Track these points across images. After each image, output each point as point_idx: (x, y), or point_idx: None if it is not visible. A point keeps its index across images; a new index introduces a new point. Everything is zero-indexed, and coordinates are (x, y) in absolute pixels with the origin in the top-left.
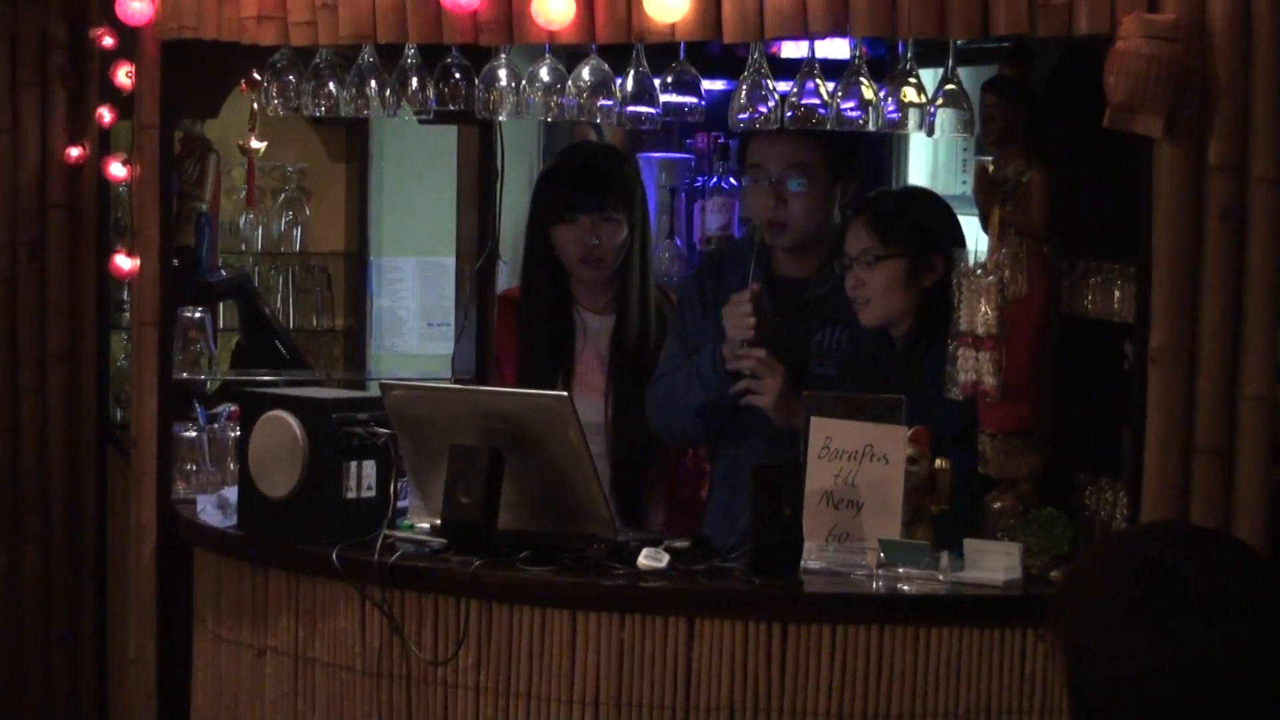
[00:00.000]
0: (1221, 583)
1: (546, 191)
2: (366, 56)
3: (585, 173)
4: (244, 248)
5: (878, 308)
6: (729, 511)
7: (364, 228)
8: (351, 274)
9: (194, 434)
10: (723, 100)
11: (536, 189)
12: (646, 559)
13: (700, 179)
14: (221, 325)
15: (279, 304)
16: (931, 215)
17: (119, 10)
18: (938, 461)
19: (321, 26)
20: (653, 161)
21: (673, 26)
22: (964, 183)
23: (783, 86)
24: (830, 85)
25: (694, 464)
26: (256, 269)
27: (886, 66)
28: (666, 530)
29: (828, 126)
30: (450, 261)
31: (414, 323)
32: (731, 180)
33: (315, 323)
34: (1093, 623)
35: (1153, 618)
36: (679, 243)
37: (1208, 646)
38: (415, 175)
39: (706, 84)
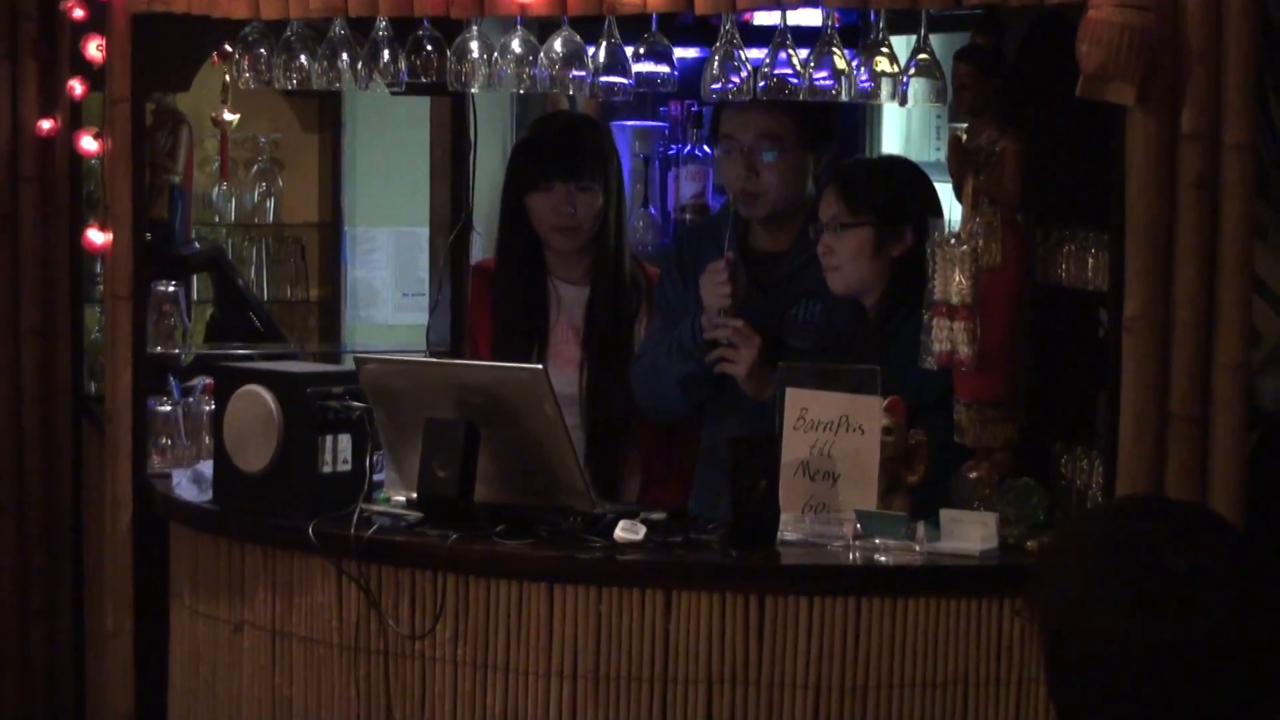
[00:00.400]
0: (1198, 560)
1: (521, 160)
2: (338, 29)
3: (560, 141)
4: (217, 219)
5: (845, 274)
6: (714, 484)
7: (337, 198)
8: (325, 244)
9: (168, 408)
10: (696, 68)
11: (511, 158)
12: (623, 531)
13: (675, 147)
14: (196, 297)
15: (253, 275)
16: (904, 184)
17: None
18: (913, 432)
19: (292, 0)
20: (626, 130)
21: None
22: (938, 150)
23: (755, 54)
24: (803, 54)
25: (669, 436)
26: (230, 240)
27: (859, 33)
28: (642, 501)
29: (800, 97)
30: (424, 231)
31: (388, 293)
32: (705, 149)
33: (290, 294)
34: (1070, 600)
35: (1130, 595)
36: (653, 211)
37: (1185, 624)
38: (389, 145)
39: (679, 51)
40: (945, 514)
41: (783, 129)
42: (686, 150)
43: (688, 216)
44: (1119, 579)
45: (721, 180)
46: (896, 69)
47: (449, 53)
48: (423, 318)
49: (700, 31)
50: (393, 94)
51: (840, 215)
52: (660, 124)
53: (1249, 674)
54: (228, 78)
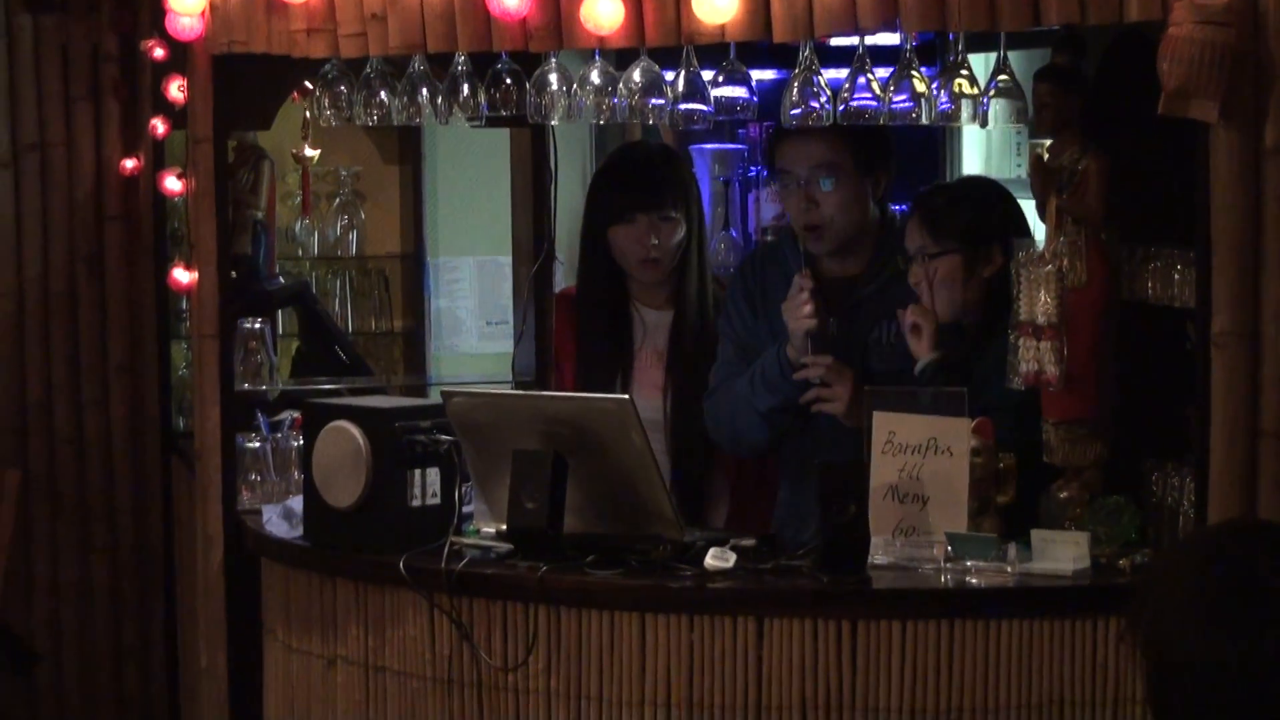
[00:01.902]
0: None
1: (602, 193)
2: (417, 65)
3: (640, 173)
4: (300, 253)
5: (942, 303)
6: (796, 507)
7: (419, 229)
8: (408, 275)
9: (257, 445)
10: (774, 89)
11: (591, 190)
12: (713, 559)
13: (754, 169)
14: (281, 332)
15: (337, 308)
16: (986, 205)
17: (169, 26)
18: (1002, 454)
19: (371, 38)
20: (705, 153)
21: (722, 27)
22: (1019, 166)
23: (832, 74)
24: (881, 75)
25: (755, 460)
26: (314, 274)
27: (936, 51)
28: (729, 526)
29: (880, 121)
30: (507, 260)
31: (472, 322)
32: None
33: (374, 325)
34: (1172, 622)
35: (1231, 616)
36: (734, 234)
37: None
38: (469, 175)
39: (757, 74)
40: (1037, 534)
41: (837, 157)
42: (766, 172)
43: (769, 238)
44: (1220, 601)
45: (787, 215)
46: (977, 90)
47: (528, 85)
48: (507, 345)
49: (776, 53)
50: (473, 127)
51: (927, 246)
52: (739, 146)
53: None
54: (308, 114)
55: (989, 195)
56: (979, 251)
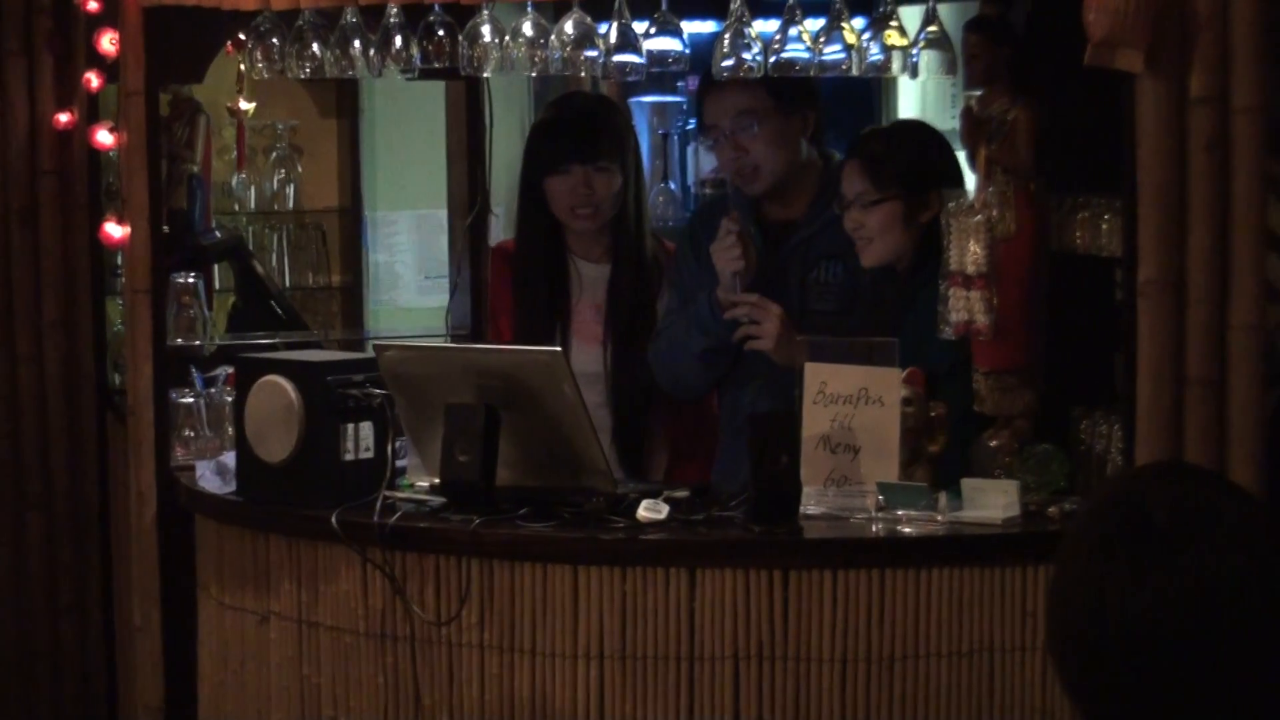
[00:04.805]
0: (1188, 520)
1: (538, 143)
2: (349, 17)
3: (576, 123)
4: (237, 208)
5: (877, 248)
6: (736, 456)
7: (357, 183)
8: (346, 230)
9: (191, 400)
10: (710, 42)
11: (528, 141)
12: (646, 510)
13: (693, 121)
14: (217, 287)
15: (274, 263)
16: (925, 152)
17: None
18: (933, 402)
19: None
20: (645, 105)
21: None
22: (953, 118)
23: (765, 26)
24: (813, 27)
25: (694, 410)
26: (250, 229)
27: (868, 2)
28: (670, 476)
29: (811, 73)
30: (444, 213)
31: (410, 276)
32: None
33: (311, 280)
34: (1066, 560)
35: (1118, 554)
36: (673, 186)
37: (1170, 584)
38: (407, 128)
39: (693, 26)
40: (967, 483)
41: (758, 102)
42: (697, 128)
43: (707, 190)
44: (1106, 542)
45: (719, 168)
46: (907, 42)
47: (461, 38)
48: (445, 299)
49: (711, 5)
50: (406, 80)
51: (867, 192)
52: (679, 98)
53: (1235, 638)
54: (242, 67)
55: (928, 140)
56: (918, 199)
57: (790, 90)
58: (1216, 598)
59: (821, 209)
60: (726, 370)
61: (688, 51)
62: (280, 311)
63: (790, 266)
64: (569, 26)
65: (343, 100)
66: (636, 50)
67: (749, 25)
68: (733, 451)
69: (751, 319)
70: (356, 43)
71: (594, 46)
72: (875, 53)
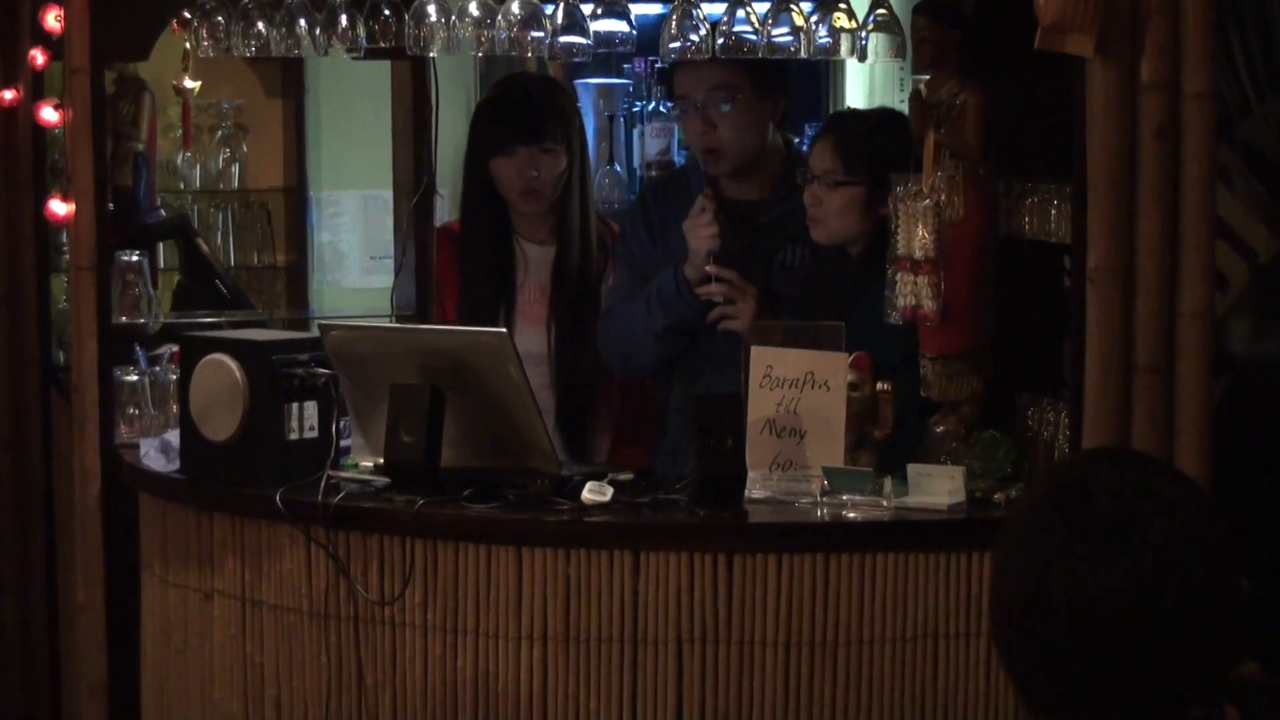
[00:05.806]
0: (1129, 504)
1: (483, 125)
2: None
3: (521, 104)
4: (182, 186)
5: (830, 228)
6: (686, 441)
7: (302, 162)
8: (291, 209)
9: (135, 378)
10: (657, 24)
11: (473, 122)
12: (590, 493)
13: (639, 104)
14: (162, 265)
15: (219, 242)
16: (897, 143)
17: None
18: (879, 386)
19: None
20: (590, 87)
21: None
22: (901, 102)
23: (713, 9)
24: (761, 10)
25: (638, 393)
26: (195, 207)
27: None
28: (613, 459)
29: (759, 54)
30: (389, 194)
31: (356, 256)
32: (669, 104)
33: (256, 259)
34: (1009, 543)
35: (1060, 537)
36: (618, 168)
37: (1110, 567)
38: (353, 108)
39: (641, 8)
40: (913, 469)
41: (734, 79)
42: (651, 107)
43: (653, 173)
44: (1052, 523)
45: (685, 139)
46: (855, 24)
47: (407, 17)
48: (390, 280)
49: None
50: (352, 59)
51: (835, 172)
52: (624, 81)
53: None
54: (188, 45)
55: (902, 132)
56: (881, 189)
57: (767, 72)
58: (1156, 581)
59: (787, 192)
60: (682, 349)
61: (634, 34)
62: (225, 290)
63: (756, 249)
64: (515, 7)
65: (288, 79)
66: (583, 32)
67: (697, 7)
68: (683, 437)
69: (727, 299)
70: (302, 21)
71: (540, 28)
72: (824, 35)
